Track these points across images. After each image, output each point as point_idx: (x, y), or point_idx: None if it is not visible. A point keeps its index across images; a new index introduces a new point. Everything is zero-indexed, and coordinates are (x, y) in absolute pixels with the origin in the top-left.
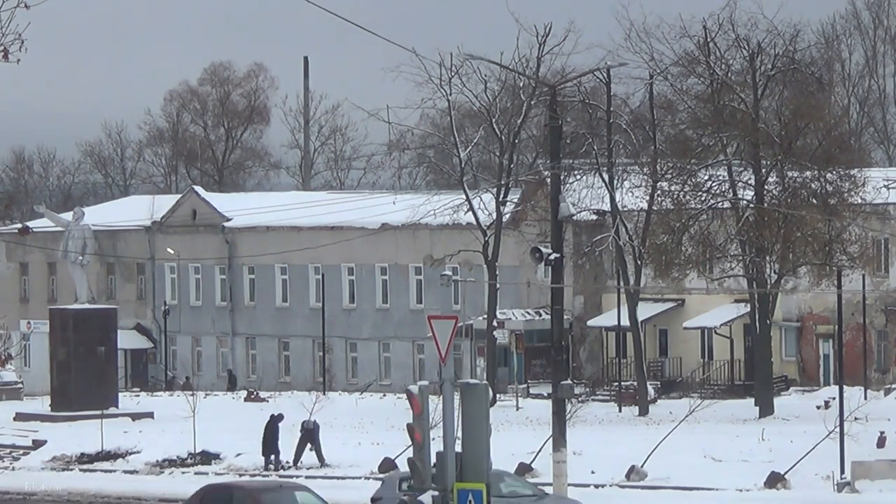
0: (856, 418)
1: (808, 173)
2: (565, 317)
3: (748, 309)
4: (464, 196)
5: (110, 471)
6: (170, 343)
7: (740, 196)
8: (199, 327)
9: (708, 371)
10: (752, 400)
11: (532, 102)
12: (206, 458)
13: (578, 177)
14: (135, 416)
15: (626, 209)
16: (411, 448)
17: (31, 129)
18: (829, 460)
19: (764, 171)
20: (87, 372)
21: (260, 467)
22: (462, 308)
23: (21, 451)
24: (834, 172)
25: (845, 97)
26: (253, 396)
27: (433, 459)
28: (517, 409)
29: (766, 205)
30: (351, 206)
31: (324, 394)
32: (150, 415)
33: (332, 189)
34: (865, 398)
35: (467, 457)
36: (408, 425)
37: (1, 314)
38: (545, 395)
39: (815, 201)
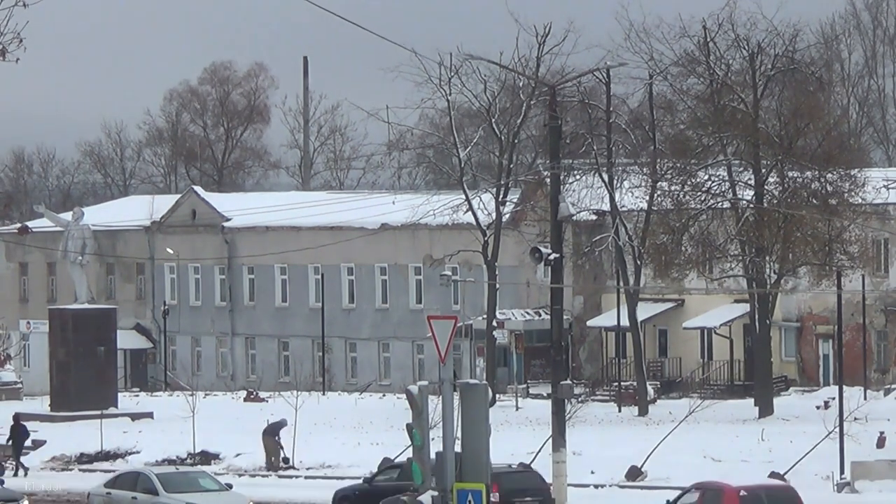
0: (855, 418)
1: (808, 173)
2: (565, 317)
3: (748, 309)
4: (463, 196)
5: (110, 471)
6: (169, 343)
7: (740, 196)
8: (199, 327)
9: (708, 371)
10: (752, 400)
11: (532, 102)
12: (206, 458)
13: (578, 177)
14: (134, 416)
15: (625, 209)
16: (411, 448)
17: (31, 130)
18: (829, 460)
19: (764, 171)
20: (86, 372)
21: (259, 467)
22: (462, 308)
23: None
24: (834, 172)
25: (845, 97)
26: (252, 396)
27: (433, 459)
28: (517, 410)
29: (765, 205)
30: (350, 206)
31: (324, 394)
32: (150, 415)
33: (332, 189)
34: (865, 398)
35: (467, 457)
36: (407, 425)
37: (0, 314)
38: (545, 395)
39: (815, 201)
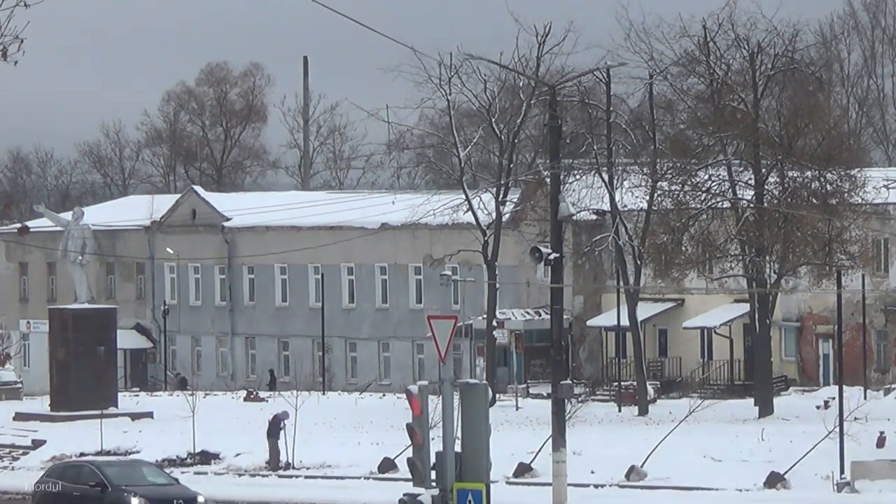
0: (855, 418)
1: (808, 173)
2: (565, 317)
3: (748, 309)
4: (463, 196)
5: None
6: (169, 343)
7: (740, 196)
8: (199, 327)
9: (708, 371)
10: (752, 400)
11: (532, 102)
12: (206, 457)
13: (578, 177)
14: (134, 416)
15: (625, 209)
16: (411, 448)
17: (29, 129)
18: (829, 460)
19: (764, 171)
20: (86, 372)
21: (259, 467)
22: (462, 308)
23: (20, 451)
24: (834, 172)
25: (844, 97)
26: (252, 396)
27: (433, 459)
28: (517, 409)
29: (765, 205)
30: (350, 206)
31: (324, 393)
32: (150, 415)
33: (332, 189)
34: (865, 398)
35: (467, 457)
36: (407, 425)
37: (0, 314)
38: (545, 394)
39: (815, 201)
